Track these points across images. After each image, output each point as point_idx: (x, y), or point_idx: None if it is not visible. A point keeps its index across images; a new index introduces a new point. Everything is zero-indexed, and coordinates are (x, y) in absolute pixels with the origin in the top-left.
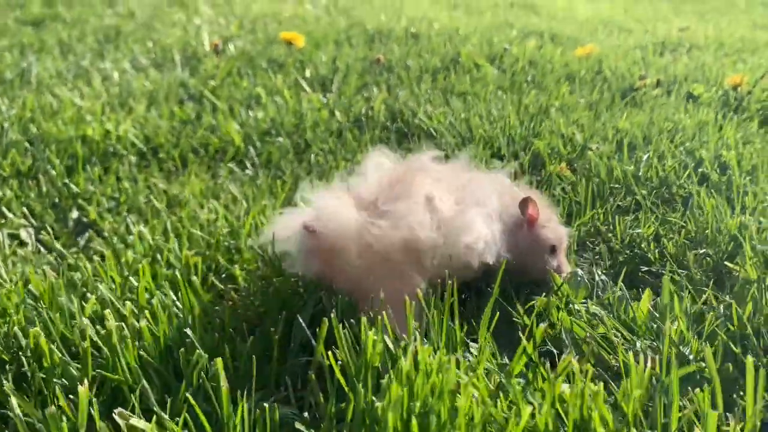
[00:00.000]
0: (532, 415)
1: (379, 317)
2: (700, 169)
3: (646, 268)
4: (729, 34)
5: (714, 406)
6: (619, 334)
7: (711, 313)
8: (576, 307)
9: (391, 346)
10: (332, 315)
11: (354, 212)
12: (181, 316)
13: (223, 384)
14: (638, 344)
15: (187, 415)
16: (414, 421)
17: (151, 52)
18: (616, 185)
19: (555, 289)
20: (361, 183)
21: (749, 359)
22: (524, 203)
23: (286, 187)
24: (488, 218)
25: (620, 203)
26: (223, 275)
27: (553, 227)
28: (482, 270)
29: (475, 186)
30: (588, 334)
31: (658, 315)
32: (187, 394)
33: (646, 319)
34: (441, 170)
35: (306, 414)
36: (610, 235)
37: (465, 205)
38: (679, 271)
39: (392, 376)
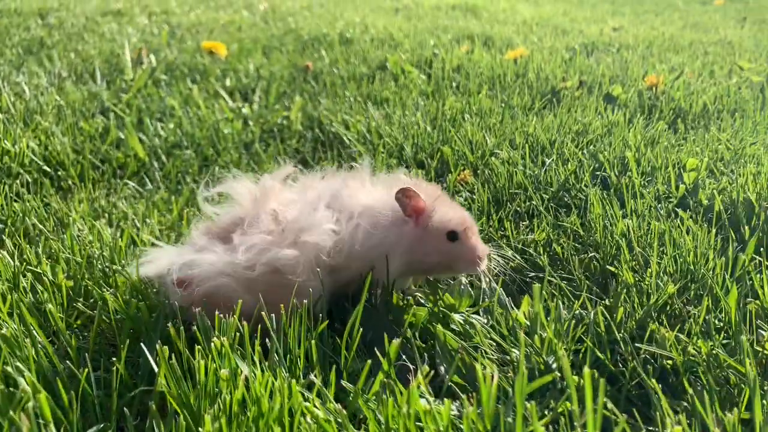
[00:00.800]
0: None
1: (219, 342)
2: (599, 173)
3: (533, 274)
4: (660, 34)
5: (573, 414)
6: (493, 343)
7: (581, 322)
8: (456, 316)
9: (224, 374)
10: (158, 345)
11: (213, 256)
12: (28, 346)
13: (25, 427)
14: (513, 354)
15: None
16: None
17: (73, 64)
18: (517, 190)
19: (434, 302)
20: (225, 214)
21: (586, 371)
22: (401, 194)
23: (180, 202)
24: (343, 217)
25: (518, 208)
26: (91, 300)
27: (446, 211)
28: (360, 273)
29: (335, 190)
30: (460, 346)
31: (526, 327)
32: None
33: (523, 327)
34: (296, 185)
35: None
36: (502, 242)
37: (315, 209)
38: (566, 276)
39: (219, 406)
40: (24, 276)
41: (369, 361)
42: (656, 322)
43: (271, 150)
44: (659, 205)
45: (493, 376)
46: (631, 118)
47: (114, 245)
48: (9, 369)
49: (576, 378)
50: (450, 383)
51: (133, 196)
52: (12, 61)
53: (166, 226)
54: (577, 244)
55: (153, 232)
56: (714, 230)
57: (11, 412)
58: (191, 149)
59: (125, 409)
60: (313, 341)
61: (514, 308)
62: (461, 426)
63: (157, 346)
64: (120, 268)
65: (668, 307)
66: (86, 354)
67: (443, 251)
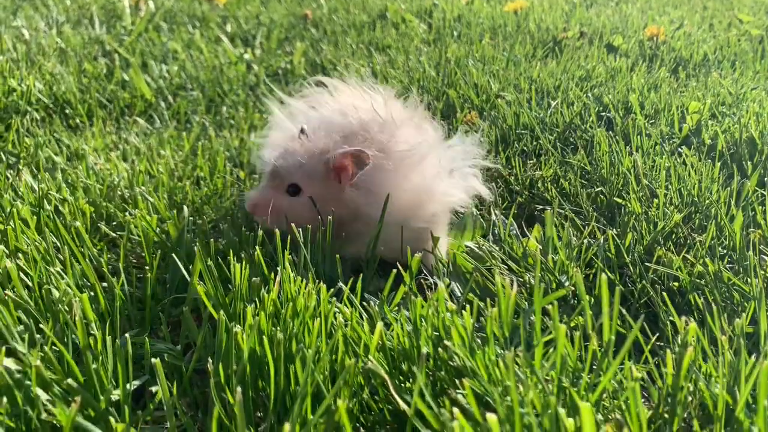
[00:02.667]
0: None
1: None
2: (604, 114)
3: (542, 207)
4: None
5: (586, 327)
6: (505, 267)
7: (593, 245)
8: (469, 244)
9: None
10: (198, 249)
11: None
12: (61, 258)
13: (76, 311)
14: (513, 280)
15: (50, 348)
16: (266, 343)
17: (69, 9)
18: (523, 131)
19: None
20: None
21: (603, 277)
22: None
23: (191, 137)
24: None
25: (525, 148)
26: (114, 223)
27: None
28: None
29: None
30: (474, 266)
31: (539, 249)
32: (47, 329)
33: (533, 253)
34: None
35: (179, 346)
36: (510, 177)
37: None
38: (573, 208)
39: (256, 304)
40: (47, 199)
41: (394, 270)
42: (663, 248)
43: (276, 92)
44: (663, 144)
45: (512, 284)
46: (632, 65)
47: (133, 172)
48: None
49: (588, 297)
50: (465, 303)
51: (144, 133)
52: (6, 7)
53: (180, 160)
54: (583, 180)
55: (168, 163)
56: (718, 164)
57: (57, 307)
58: (197, 90)
59: (160, 314)
60: (337, 255)
61: (527, 235)
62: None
63: (196, 248)
64: (142, 191)
65: (674, 235)
66: (118, 265)
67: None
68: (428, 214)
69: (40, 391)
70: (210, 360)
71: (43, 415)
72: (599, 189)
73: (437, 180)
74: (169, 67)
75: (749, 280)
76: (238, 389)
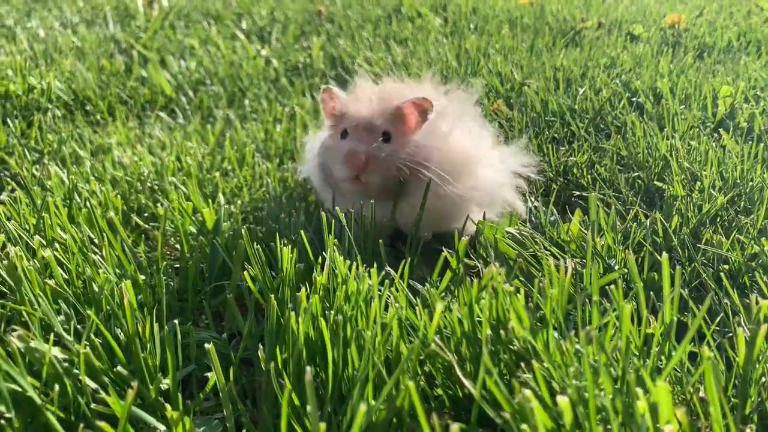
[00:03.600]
0: (447, 315)
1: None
2: (634, 99)
3: (578, 194)
4: None
5: (638, 310)
6: (548, 252)
7: (639, 228)
8: (509, 230)
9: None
10: (245, 236)
11: None
12: (97, 250)
13: (126, 297)
14: (567, 261)
15: (94, 337)
16: (323, 326)
17: (82, 10)
18: (552, 118)
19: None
20: None
21: (665, 255)
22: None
23: (216, 130)
24: None
25: (555, 135)
26: (146, 215)
27: (352, 107)
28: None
29: None
30: (518, 252)
31: (586, 233)
32: (94, 316)
33: (576, 238)
34: None
35: (224, 335)
36: (544, 164)
37: None
38: (612, 193)
39: (306, 287)
40: (76, 191)
41: (443, 254)
42: (711, 231)
43: (297, 86)
44: (699, 128)
45: (567, 268)
46: (656, 53)
47: (161, 164)
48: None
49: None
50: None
51: (168, 127)
52: (20, 9)
53: (206, 152)
54: (619, 166)
55: (195, 156)
56: (761, 146)
57: (102, 294)
58: (217, 85)
59: (203, 302)
60: (380, 240)
61: (565, 221)
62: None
63: (243, 230)
64: (173, 181)
65: (719, 218)
66: (152, 256)
67: (329, 147)
68: (471, 184)
69: (88, 380)
70: (261, 347)
71: (92, 405)
72: (636, 174)
73: (487, 155)
74: (187, 63)
75: None
76: (308, 369)
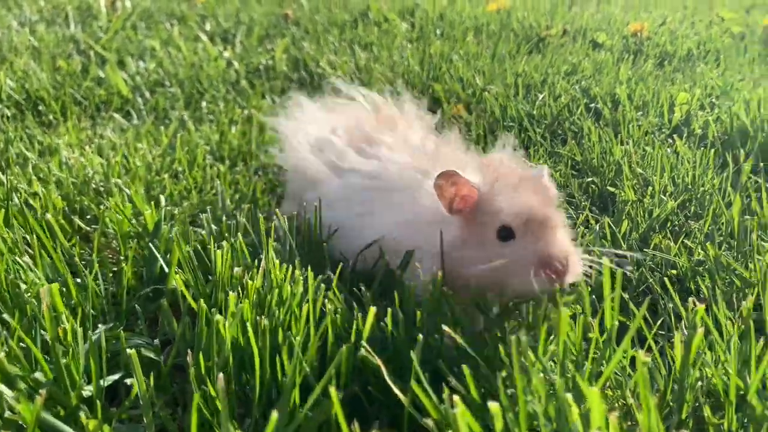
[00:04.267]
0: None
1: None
2: (592, 105)
3: None
4: None
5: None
6: None
7: (588, 233)
8: None
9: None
10: (175, 237)
11: None
12: (31, 251)
13: (45, 301)
14: None
15: (13, 343)
16: (250, 333)
17: (43, 10)
18: (511, 123)
19: None
20: None
21: (605, 259)
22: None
23: (169, 131)
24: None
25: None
26: (88, 217)
27: (507, 196)
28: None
29: None
30: None
31: None
32: (12, 321)
33: None
34: None
35: (157, 341)
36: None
37: None
38: (566, 198)
39: (238, 292)
40: (17, 192)
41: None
42: (659, 235)
43: (257, 88)
44: (654, 134)
45: None
46: (618, 60)
47: (108, 165)
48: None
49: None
50: None
51: (120, 128)
52: None
53: (157, 154)
54: (574, 171)
55: (145, 157)
56: (712, 152)
57: (24, 298)
58: (175, 86)
59: (137, 307)
60: (324, 243)
61: None
62: None
63: (174, 233)
64: (118, 183)
65: (669, 223)
66: (92, 257)
67: (493, 257)
68: None
69: (3, 388)
70: (189, 352)
71: (7, 413)
72: (590, 179)
73: None
74: (146, 64)
75: (750, 265)
76: (220, 375)
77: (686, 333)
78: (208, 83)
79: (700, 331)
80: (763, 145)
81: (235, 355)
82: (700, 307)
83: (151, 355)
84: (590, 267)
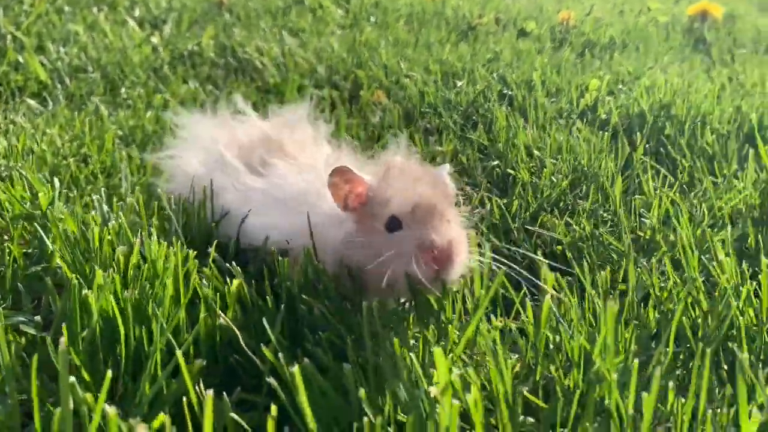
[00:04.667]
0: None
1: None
2: (506, 92)
3: None
4: None
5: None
6: None
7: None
8: None
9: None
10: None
11: None
12: None
13: None
14: None
15: None
16: (127, 306)
17: None
18: (428, 109)
19: None
20: None
21: (470, 233)
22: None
23: (83, 117)
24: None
25: (428, 125)
26: None
27: (397, 188)
28: None
29: None
30: None
31: None
32: None
33: None
34: None
35: (38, 317)
36: (416, 154)
37: None
38: (470, 182)
39: (113, 268)
40: None
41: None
42: (549, 214)
43: (179, 72)
44: (560, 119)
45: None
46: (541, 49)
47: (9, 149)
48: None
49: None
50: None
51: (34, 114)
52: None
53: (68, 140)
54: (481, 155)
55: (53, 142)
56: (606, 135)
57: None
58: (97, 72)
59: (19, 285)
60: (213, 224)
61: None
62: None
63: (59, 211)
64: (17, 166)
65: (561, 202)
66: None
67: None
68: None
69: None
70: (65, 326)
71: None
72: (496, 163)
73: None
74: (67, 49)
75: (624, 238)
76: (62, 340)
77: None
78: (130, 69)
79: (547, 297)
80: (659, 129)
81: (106, 327)
82: (551, 275)
83: (32, 331)
84: (480, 262)
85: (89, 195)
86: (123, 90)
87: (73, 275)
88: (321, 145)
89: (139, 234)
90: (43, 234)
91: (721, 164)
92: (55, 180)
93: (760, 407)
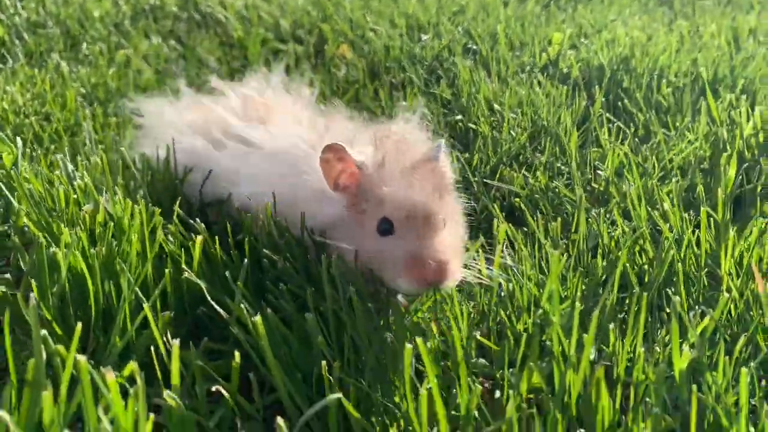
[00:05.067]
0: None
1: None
2: (470, 46)
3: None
4: None
5: None
6: None
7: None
8: None
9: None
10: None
11: None
12: None
13: None
14: None
15: None
16: (95, 263)
17: None
18: (393, 64)
19: None
20: None
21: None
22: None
23: (44, 74)
24: None
25: (393, 80)
26: None
27: (393, 185)
28: None
29: None
30: None
31: None
32: None
33: None
34: None
35: (8, 275)
36: (377, 108)
37: None
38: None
39: (80, 226)
40: None
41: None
42: (508, 168)
43: (141, 25)
44: (522, 73)
45: None
46: (506, 1)
47: None
48: None
49: None
50: None
51: None
52: None
53: (30, 98)
54: (445, 110)
55: (14, 101)
56: (566, 89)
57: None
58: (56, 28)
59: None
60: (177, 181)
61: None
62: None
63: (22, 170)
64: None
65: (521, 156)
66: None
67: (371, 250)
68: None
69: None
70: (34, 283)
71: None
72: (459, 117)
73: None
74: (24, 3)
75: (576, 189)
76: (32, 295)
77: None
78: (90, 24)
79: (500, 247)
80: (617, 82)
81: (74, 283)
82: (504, 226)
83: (2, 287)
84: (476, 277)
85: (53, 154)
86: (84, 46)
87: (41, 233)
88: (307, 111)
89: (104, 193)
90: (8, 193)
91: (675, 117)
92: (18, 139)
93: (692, 346)
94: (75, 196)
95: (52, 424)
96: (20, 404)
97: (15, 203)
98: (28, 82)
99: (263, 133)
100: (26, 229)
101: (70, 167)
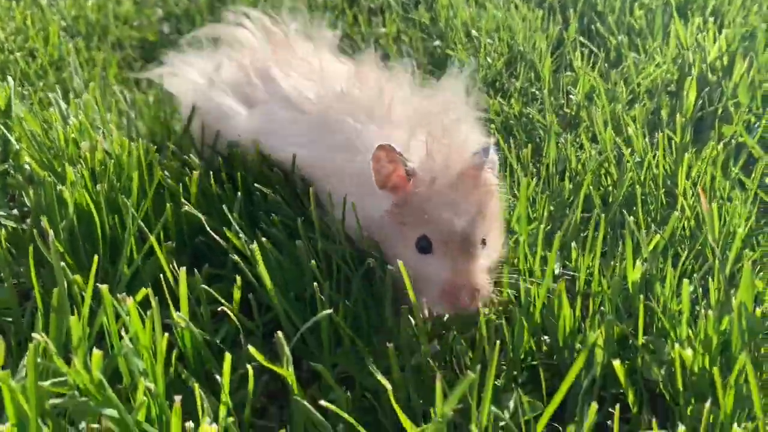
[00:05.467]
0: None
1: (78, 122)
2: None
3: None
4: None
5: None
6: None
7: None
8: None
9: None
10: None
11: None
12: None
13: None
14: None
15: None
16: (100, 199)
17: None
18: None
19: None
20: None
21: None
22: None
23: (22, 8)
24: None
25: (371, 5)
26: None
27: (436, 203)
28: None
29: None
30: None
31: None
32: None
33: None
34: None
35: (15, 211)
36: (357, 35)
37: None
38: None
39: (81, 164)
40: None
41: None
42: (484, 94)
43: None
44: None
45: None
46: None
47: None
48: None
49: None
50: None
51: None
52: None
53: (10, 33)
54: (424, 35)
55: None
56: (541, 12)
57: None
58: None
59: None
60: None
61: None
62: None
63: (18, 111)
64: None
65: (497, 82)
66: None
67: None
68: None
69: None
70: (45, 219)
71: None
72: (437, 43)
73: None
74: None
75: (547, 116)
76: (51, 233)
77: None
78: None
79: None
80: (592, 5)
81: (81, 218)
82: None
83: (11, 223)
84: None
85: (42, 91)
86: None
87: (45, 173)
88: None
89: (100, 131)
90: (6, 132)
91: (646, 40)
92: (9, 79)
93: (644, 260)
94: (73, 135)
95: (80, 343)
96: (48, 328)
97: (14, 142)
98: (6, 15)
99: (309, 93)
100: (27, 167)
101: (63, 105)
